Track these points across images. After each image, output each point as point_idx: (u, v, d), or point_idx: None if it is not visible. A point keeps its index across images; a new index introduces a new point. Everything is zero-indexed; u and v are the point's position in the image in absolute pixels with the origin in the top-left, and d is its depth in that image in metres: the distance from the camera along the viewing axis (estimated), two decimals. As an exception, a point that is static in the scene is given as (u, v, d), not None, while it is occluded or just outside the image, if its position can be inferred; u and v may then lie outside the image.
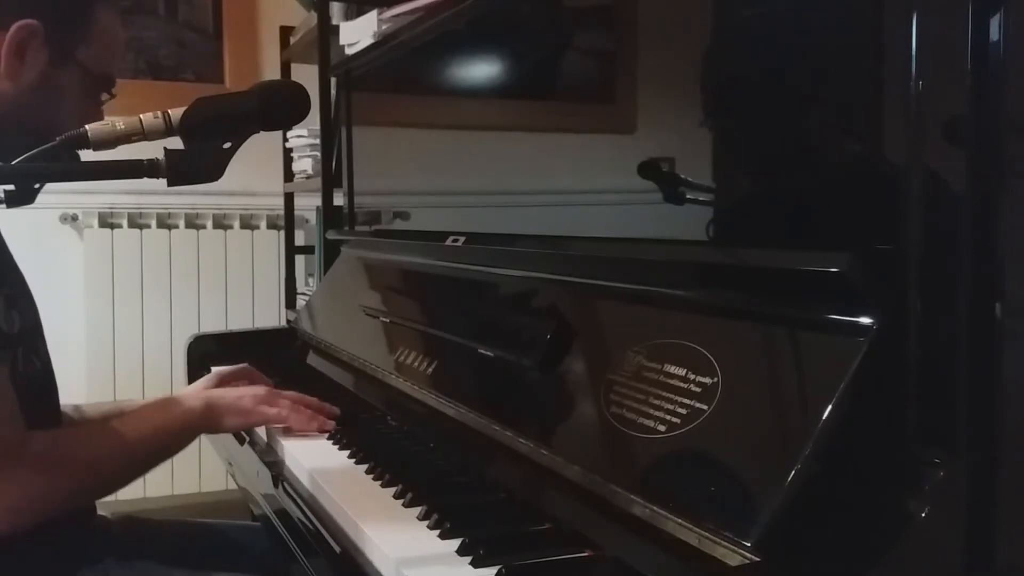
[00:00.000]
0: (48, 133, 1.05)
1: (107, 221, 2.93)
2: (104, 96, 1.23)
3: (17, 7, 1.14)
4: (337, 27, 2.17)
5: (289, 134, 2.58)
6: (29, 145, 0.95)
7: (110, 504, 1.26)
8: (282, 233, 2.89)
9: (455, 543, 0.87)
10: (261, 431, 1.40)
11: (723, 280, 0.86)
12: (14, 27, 1.13)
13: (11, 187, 0.94)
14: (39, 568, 1.12)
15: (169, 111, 0.98)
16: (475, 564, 0.83)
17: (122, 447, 1.15)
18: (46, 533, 1.10)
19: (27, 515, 1.05)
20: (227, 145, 0.98)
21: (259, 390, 1.33)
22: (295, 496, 1.15)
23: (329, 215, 2.25)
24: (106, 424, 1.19)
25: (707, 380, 0.78)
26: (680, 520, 0.72)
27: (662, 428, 0.79)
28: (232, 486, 1.61)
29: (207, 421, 1.25)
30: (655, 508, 0.75)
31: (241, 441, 1.41)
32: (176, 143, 0.98)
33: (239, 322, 3.00)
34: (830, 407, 0.67)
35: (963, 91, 0.66)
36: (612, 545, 0.81)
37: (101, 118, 1.21)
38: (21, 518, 1.05)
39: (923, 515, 0.64)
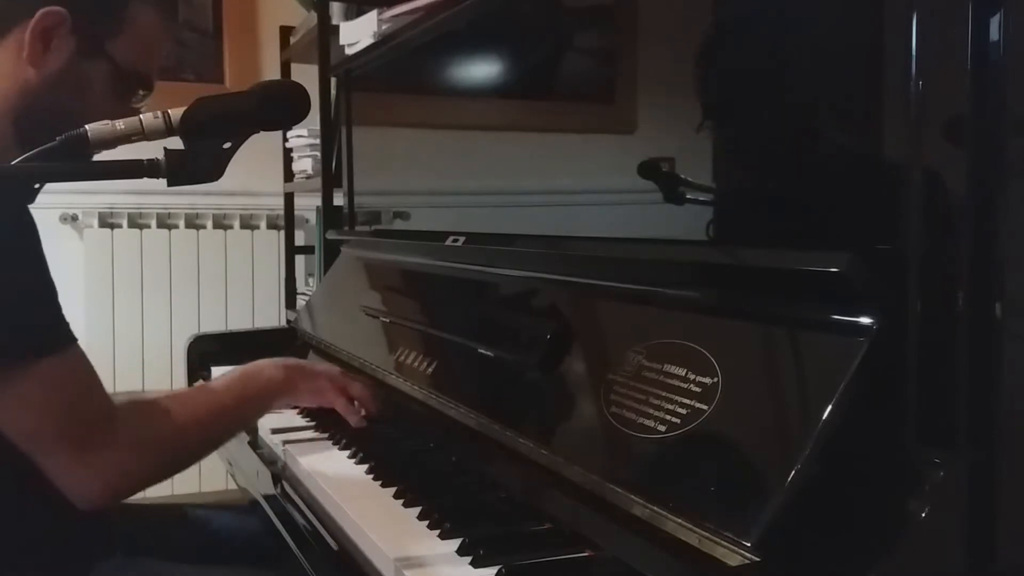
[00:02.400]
0: (72, 128, 1.04)
1: (107, 221, 2.93)
2: (137, 96, 1.21)
3: None
4: (337, 27, 2.17)
5: (289, 134, 2.58)
6: (51, 139, 0.95)
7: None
8: (282, 233, 2.89)
9: (455, 543, 0.87)
10: (263, 431, 1.40)
11: (723, 280, 0.86)
12: (40, 13, 1.11)
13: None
14: (51, 565, 1.12)
15: (169, 111, 0.98)
16: (475, 564, 0.83)
17: (206, 417, 1.17)
18: (57, 530, 1.10)
19: (123, 489, 1.08)
20: (227, 145, 0.98)
21: (334, 371, 1.38)
22: (295, 496, 1.15)
23: (329, 215, 2.25)
24: (188, 395, 1.22)
25: (707, 380, 0.78)
26: (680, 520, 0.72)
27: (662, 428, 0.79)
28: (232, 486, 1.61)
29: (285, 390, 1.30)
30: (655, 508, 0.75)
31: (240, 441, 1.41)
32: (176, 143, 0.98)
33: (239, 322, 3.00)
34: (830, 407, 0.67)
35: (963, 91, 0.66)
36: (612, 545, 0.81)
37: None
38: (118, 491, 1.07)
39: (923, 515, 0.64)
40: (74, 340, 1.05)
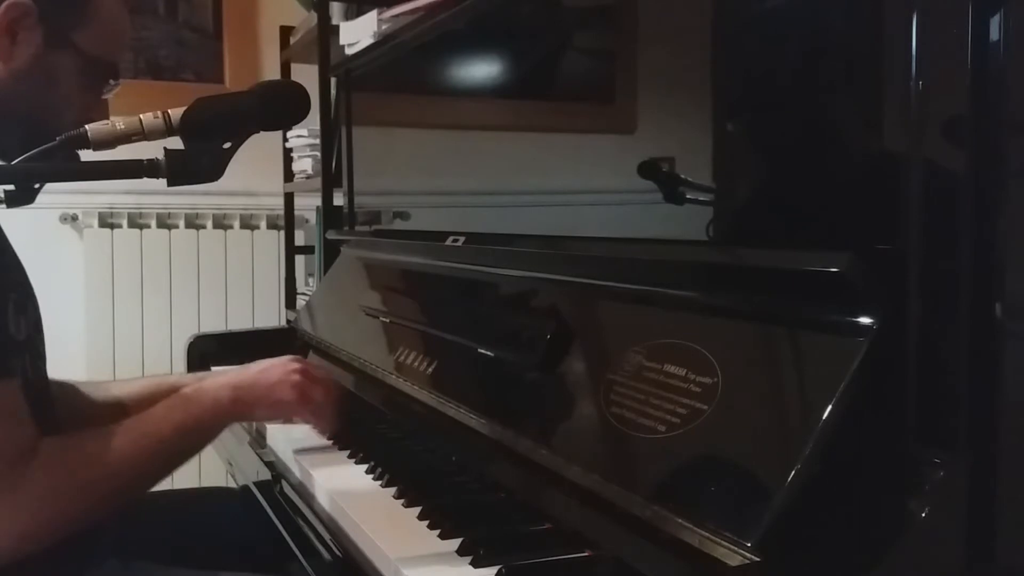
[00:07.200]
0: (43, 122, 1.03)
1: (107, 221, 2.93)
2: (107, 86, 1.18)
3: None
4: (337, 27, 2.17)
5: (289, 134, 2.58)
6: (23, 134, 0.93)
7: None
8: (282, 233, 2.88)
9: (455, 543, 0.87)
10: (264, 431, 1.40)
11: (723, 280, 0.86)
12: (5, 5, 1.08)
13: (11, 187, 0.94)
14: (40, 573, 1.11)
15: (169, 111, 0.98)
16: (475, 564, 0.83)
17: (142, 452, 1.08)
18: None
19: (41, 533, 0.99)
20: (227, 145, 0.98)
21: (293, 377, 1.23)
22: (294, 496, 1.15)
23: (329, 215, 2.25)
24: (123, 428, 1.10)
25: (707, 380, 0.78)
26: (681, 520, 0.72)
27: (662, 428, 0.79)
28: (232, 485, 1.61)
29: (236, 412, 1.20)
30: (655, 508, 0.75)
31: (240, 441, 1.41)
32: (176, 143, 0.98)
33: (239, 322, 3.00)
34: (830, 407, 0.67)
35: (963, 91, 0.66)
36: (612, 545, 0.81)
37: (105, 110, 1.18)
38: (33, 538, 0.98)
39: (923, 515, 0.64)
40: (8, 375, 0.99)
